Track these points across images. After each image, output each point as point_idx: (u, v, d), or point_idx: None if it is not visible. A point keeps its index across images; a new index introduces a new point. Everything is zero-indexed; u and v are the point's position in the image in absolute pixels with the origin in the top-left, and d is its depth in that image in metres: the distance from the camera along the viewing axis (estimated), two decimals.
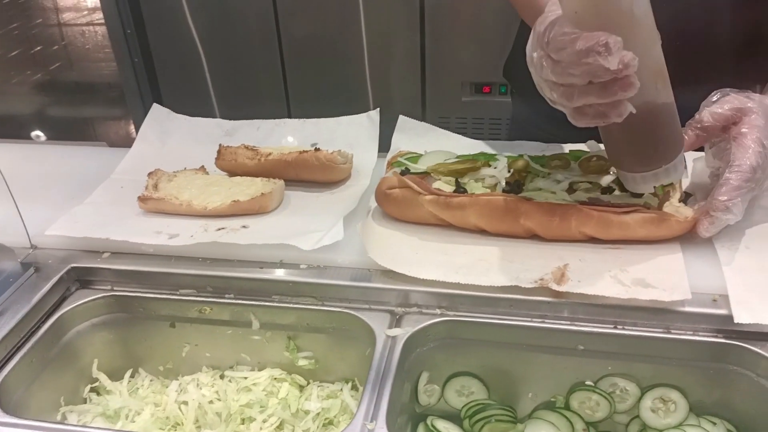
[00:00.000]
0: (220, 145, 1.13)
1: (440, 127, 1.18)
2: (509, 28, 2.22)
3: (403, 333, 0.87)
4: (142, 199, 1.04)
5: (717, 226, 0.86)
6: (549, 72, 0.75)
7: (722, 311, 0.82)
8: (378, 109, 1.23)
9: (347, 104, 2.58)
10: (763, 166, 0.85)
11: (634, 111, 0.75)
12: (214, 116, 2.73)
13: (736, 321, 0.79)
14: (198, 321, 0.97)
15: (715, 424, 0.85)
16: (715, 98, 0.92)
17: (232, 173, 1.12)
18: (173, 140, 1.26)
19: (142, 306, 0.98)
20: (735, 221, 0.86)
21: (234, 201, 1.02)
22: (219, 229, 0.99)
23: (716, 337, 0.83)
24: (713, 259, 0.88)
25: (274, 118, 1.30)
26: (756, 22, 1.09)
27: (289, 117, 1.30)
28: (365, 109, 1.25)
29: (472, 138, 1.19)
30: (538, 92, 0.83)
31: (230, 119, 1.30)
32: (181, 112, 1.32)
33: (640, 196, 0.92)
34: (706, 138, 0.91)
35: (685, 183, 1.01)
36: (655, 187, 0.90)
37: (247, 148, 1.12)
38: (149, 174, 1.09)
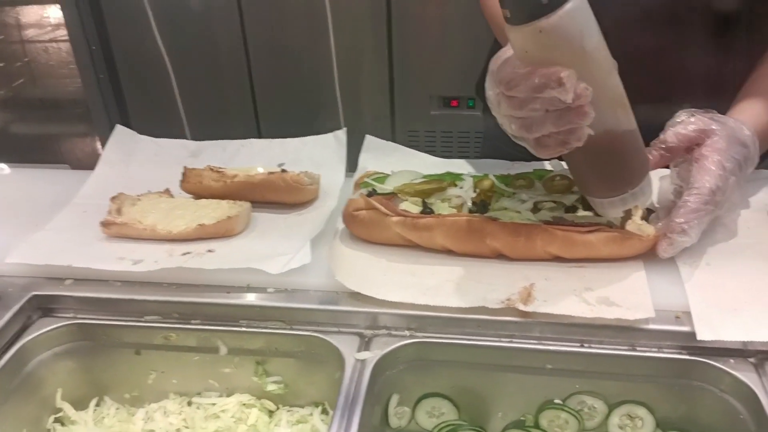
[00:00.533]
0: (185, 167, 1.11)
1: (409, 140, 1.20)
2: (477, 41, 2.26)
3: (372, 356, 0.87)
4: (104, 224, 1.03)
5: (675, 247, 0.88)
6: (506, 107, 0.77)
7: (685, 328, 0.83)
8: (345, 129, 1.23)
9: (317, 120, 2.58)
10: (723, 188, 0.87)
11: (592, 133, 0.77)
12: (183, 133, 2.71)
13: (699, 338, 0.80)
14: (164, 348, 0.96)
15: None
16: (680, 119, 0.94)
17: (197, 196, 1.11)
18: (137, 162, 1.24)
19: (106, 333, 0.96)
20: (690, 243, 0.88)
21: (199, 225, 1.01)
22: (184, 254, 0.98)
23: (680, 353, 0.84)
24: (675, 277, 0.89)
25: (244, 137, 1.30)
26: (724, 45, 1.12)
27: (259, 135, 1.30)
28: (336, 125, 1.25)
29: (441, 152, 1.20)
30: None
31: (200, 137, 1.29)
32: (150, 130, 1.30)
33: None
34: (670, 158, 0.93)
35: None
36: (624, 211, 0.92)
37: (212, 170, 1.11)
38: (112, 198, 1.07)
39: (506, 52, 0.78)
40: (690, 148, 0.92)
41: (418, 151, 1.22)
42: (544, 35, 0.70)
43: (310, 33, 2.45)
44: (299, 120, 2.57)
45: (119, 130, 1.28)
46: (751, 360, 0.82)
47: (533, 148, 0.80)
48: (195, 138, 1.31)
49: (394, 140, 1.23)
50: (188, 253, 0.98)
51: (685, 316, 0.84)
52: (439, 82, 2.54)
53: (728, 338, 0.79)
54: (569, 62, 0.72)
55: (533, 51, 0.73)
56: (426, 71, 2.53)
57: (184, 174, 1.11)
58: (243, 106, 2.62)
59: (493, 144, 1.37)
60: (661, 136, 0.94)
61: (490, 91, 0.80)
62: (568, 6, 0.70)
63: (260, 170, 1.11)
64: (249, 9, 2.42)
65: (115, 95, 2.75)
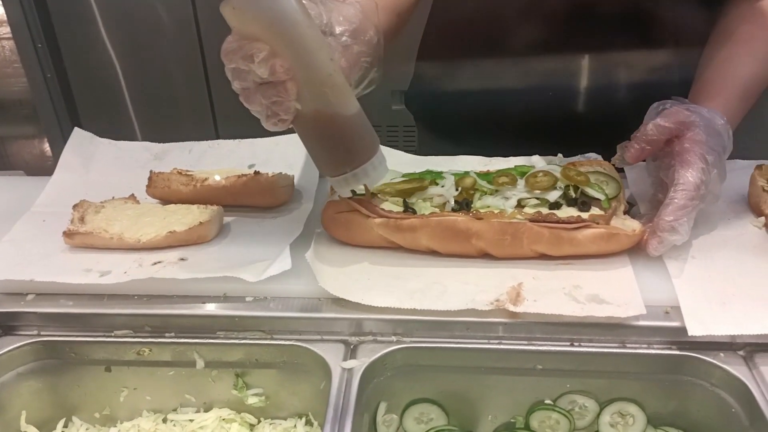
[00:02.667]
0: (151, 171, 1.06)
1: None
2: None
3: (359, 364, 0.84)
4: (67, 234, 0.96)
5: (665, 245, 0.87)
6: (230, 78, 0.80)
7: (675, 323, 0.83)
8: None
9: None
10: (706, 181, 0.87)
11: (299, 107, 0.80)
12: (135, 137, 2.61)
13: (690, 334, 0.80)
14: (136, 363, 0.91)
15: None
16: (657, 110, 0.93)
17: (165, 201, 1.06)
18: (98, 167, 1.18)
19: (73, 350, 0.91)
20: (682, 241, 0.87)
21: (170, 232, 0.95)
22: (155, 263, 0.93)
23: (670, 349, 0.83)
24: (662, 271, 0.89)
25: (201, 138, 1.24)
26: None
27: (217, 136, 1.25)
28: None
29: (403, 147, 1.17)
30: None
31: (153, 139, 1.23)
32: (101, 132, 1.24)
33: (588, 209, 0.92)
34: (651, 151, 0.93)
35: (627, 193, 1.02)
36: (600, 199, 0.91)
37: (180, 173, 1.05)
38: (74, 206, 1.01)
39: None
40: (670, 141, 0.92)
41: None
42: (237, 12, 0.75)
43: None
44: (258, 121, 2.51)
45: (77, 133, 1.21)
46: (741, 353, 0.82)
47: (262, 119, 0.83)
48: (147, 140, 1.24)
49: None
50: (159, 262, 0.93)
51: (674, 311, 0.84)
52: (400, 76, 2.52)
53: (719, 332, 0.79)
54: (268, 39, 0.76)
55: (237, 26, 0.77)
56: (386, 66, 2.50)
57: (150, 178, 1.06)
58: (199, 105, 2.54)
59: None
60: (641, 129, 0.93)
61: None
62: None
63: (236, 173, 1.06)
64: (204, 4, 2.34)
65: (64, 95, 2.63)
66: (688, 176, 0.86)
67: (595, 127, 1.08)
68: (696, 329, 0.80)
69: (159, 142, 1.24)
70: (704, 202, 0.89)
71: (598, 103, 1.23)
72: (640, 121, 0.96)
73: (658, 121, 0.91)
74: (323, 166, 0.89)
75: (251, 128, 1.33)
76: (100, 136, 1.24)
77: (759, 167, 1.01)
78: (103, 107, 2.60)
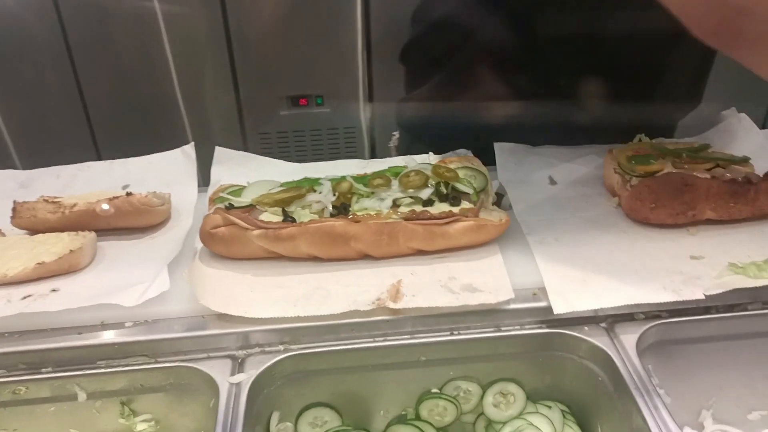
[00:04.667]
0: (14, 201, 1.01)
1: (261, 143, 1.16)
2: (316, 38, 2.26)
3: (247, 377, 0.84)
4: None
5: None
6: None
7: (542, 304, 0.88)
8: (193, 143, 1.18)
9: (163, 137, 2.45)
10: None
11: None
12: (13, 166, 2.46)
13: (555, 312, 0.85)
14: (13, 403, 0.87)
15: (550, 407, 0.92)
16: None
17: (33, 231, 1.01)
18: None
19: None
20: None
21: (38, 263, 0.91)
22: (24, 297, 0.89)
23: (540, 328, 0.89)
24: (529, 256, 0.95)
25: (83, 161, 1.20)
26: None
27: (99, 158, 1.21)
28: (184, 140, 1.19)
29: (294, 152, 1.19)
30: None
31: (33, 167, 1.18)
32: None
33: (458, 204, 0.97)
34: None
35: (495, 185, 1.08)
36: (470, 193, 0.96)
37: (47, 201, 1.01)
38: None
39: None
40: None
41: (272, 152, 1.20)
42: None
43: (143, 44, 2.31)
44: (142, 137, 2.42)
45: None
46: (603, 325, 0.89)
47: None
48: (27, 166, 1.19)
49: (245, 145, 1.20)
50: (29, 296, 0.89)
51: (541, 292, 0.90)
52: (285, 82, 2.51)
53: (581, 308, 0.85)
54: None
55: None
56: (271, 71, 2.48)
57: (14, 209, 1.01)
58: (77, 127, 2.43)
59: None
60: None
61: None
62: None
63: (108, 195, 1.03)
64: (71, 23, 2.24)
65: None
66: None
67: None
68: (560, 307, 0.86)
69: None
70: None
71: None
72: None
73: None
74: None
75: (133, 146, 1.31)
76: None
77: (610, 151, 1.09)
78: None
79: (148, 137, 2.43)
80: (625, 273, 0.89)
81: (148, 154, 1.21)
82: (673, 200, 0.95)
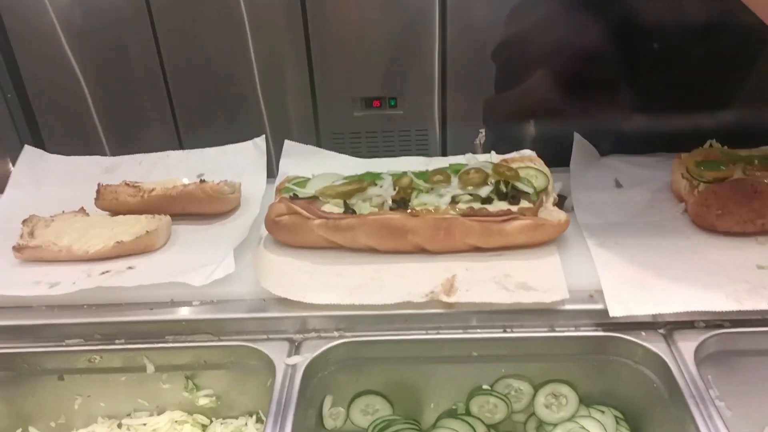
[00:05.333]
0: (99, 184, 1.09)
1: (334, 143, 1.21)
2: (394, 41, 2.29)
3: (302, 360, 0.87)
4: (17, 249, 0.99)
5: None
6: None
7: (599, 306, 0.87)
8: (264, 135, 1.23)
9: (241, 128, 2.54)
10: None
11: None
12: (102, 149, 2.61)
13: (611, 315, 0.84)
14: (88, 371, 0.93)
15: (603, 412, 0.91)
16: None
17: (114, 212, 1.09)
18: (48, 183, 1.20)
19: (25, 362, 0.93)
20: None
21: (117, 242, 0.98)
22: (103, 273, 0.96)
23: (596, 330, 0.88)
24: (587, 258, 0.94)
25: (165, 149, 1.27)
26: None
27: (180, 146, 1.28)
28: (260, 132, 1.25)
29: (366, 153, 1.22)
30: None
31: (119, 151, 1.26)
32: (66, 147, 1.26)
33: (517, 202, 0.97)
34: None
35: (558, 187, 1.07)
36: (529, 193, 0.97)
37: (128, 185, 1.08)
38: (24, 221, 1.03)
39: None
40: None
41: (345, 152, 1.24)
42: None
43: (227, 40, 2.40)
44: (222, 129, 2.52)
45: (27, 150, 1.24)
46: (661, 331, 0.87)
47: None
48: (114, 153, 1.27)
49: (319, 144, 1.24)
50: (107, 272, 0.96)
51: (598, 294, 0.88)
52: (361, 83, 2.56)
53: (638, 312, 0.84)
54: None
55: None
56: (346, 73, 2.53)
57: (98, 191, 1.08)
58: (162, 117, 2.55)
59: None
60: None
61: None
62: None
63: (185, 181, 1.09)
64: (161, 19, 2.36)
65: (25, 113, 2.63)
66: None
67: None
68: (617, 310, 0.84)
69: (124, 155, 1.27)
70: None
71: None
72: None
73: None
74: None
75: (213, 136, 1.37)
76: (65, 153, 1.27)
77: (679, 156, 1.06)
78: (67, 124, 2.60)
79: (228, 130, 2.53)
80: (686, 279, 0.87)
81: (226, 144, 1.27)
82: (741, 207, 0.92)
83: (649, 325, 0.88)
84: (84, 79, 2.49)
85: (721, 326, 0.86)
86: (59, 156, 1.25)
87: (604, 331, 0.88)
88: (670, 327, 0.87)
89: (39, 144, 1.26)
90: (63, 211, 1.09)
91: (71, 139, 2.61)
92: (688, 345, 0.84)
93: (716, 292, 0.84)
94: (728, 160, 1.00)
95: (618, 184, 1.12)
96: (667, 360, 0.83)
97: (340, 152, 1.24)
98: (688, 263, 0.90)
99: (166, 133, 2.58)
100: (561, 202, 1.06)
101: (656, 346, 0.85)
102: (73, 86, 2.50)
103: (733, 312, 0.83)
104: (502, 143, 1.28)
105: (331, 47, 2.45)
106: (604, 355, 0.89)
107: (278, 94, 2.55)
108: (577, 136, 1.16)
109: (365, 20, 2.39)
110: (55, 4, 2.28)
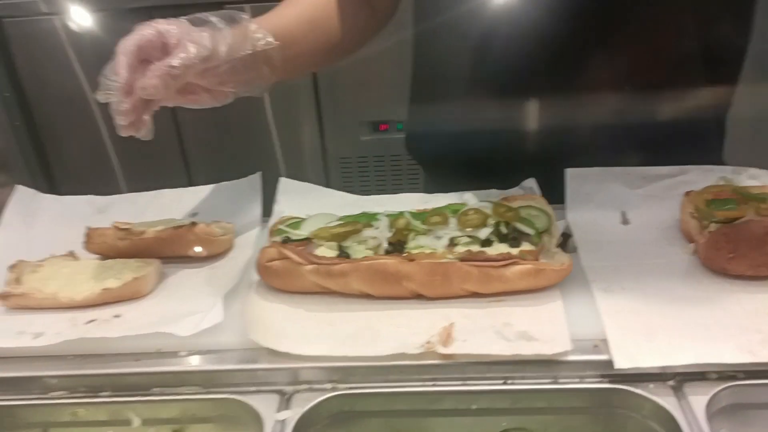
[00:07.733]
0: (87, 227, 1.06)
1: (342, 167, 1.18)
2: (400, 64, 2.28)
3: (293, 414, 0.83)
4: (2, 297, 0.96)
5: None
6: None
7: (604, 357, 0.83)
8: (259, 173, 1.20)
9: (250, 159, 2.53)
10: None
11: None
12: (115, 181, 2.61)
13: (616, 367, 0.80)
14: (72, 425, 0.90)
15: None
16: None
17: (104, 256, 1.06)
18: (39, 224, 1.18)
19: (9, 415, 0.90)
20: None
21: (104, 289, 0.95)
22: (89, 322, 0.93)
23: (601, 382, 0.83)
24: (592, 303, 0.89)
25: (177, 184, 1.25)
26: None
27: (189, 177, 1.26)
28: (273, 164, 1.22)
29: (374, 176, 1.19)
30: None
31: (135, 185, 1.25)
32: (78, 181, 1.24)
33: (518, 245, 0.93)
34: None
35: (562, 225, 1.03)
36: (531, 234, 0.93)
37: (118, 228, 1.06)
38: (10, 267, 1.01)
39: None
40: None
41: (353, 176, 1.21)
42: None
43: None
44: (231, 159, 2.51)
45: (19, 190, 1.21)
46: (670, 383, 0.82)
47: None
48: (131, 187, 1.26)
49: (326, 171, 1.21)
50: (93, 320, 0.93)
51: (603, 344, 0.84)
52: (367, 107, 2.55)
53: (645, 365, 0.80)
54: None
55: None
56: (353, 98, 2.53)
57: (87, 234, 1.06)
58: (172, 154, 2.55)
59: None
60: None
61: None
62: None
63: (174, 224, 1.06)
64: None
65: (33, 144, 2.63)
66: None
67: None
68: (622, 362, 0.80)
69: (144, 190, 1.26)
70: None
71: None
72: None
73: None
74: None
75: (222, 172, 1.35)
76: (77, 184, 1.25)
77: (687, 193, 1.02)
78: (78, 156, 2.60)
79: (236, 162, 2.52)
80: (696, 329, 0.82)
81: (238, 178, 1.24)
82: (754, 250, 0.87)
83: (658, 376, 0.83)
84: (100, 112, 2.49)
85: (734, 378, 0.82)
86: (51, 196, 1.23)
87: (610, 382, 0.83)
88: (680, 378, 0.82)
89: (48, 176, 1.24)
90: (52, 255, 1.06)
91: (83, 170, 2.61)
92: (699, 399, 0.79)
93: (728, 344, 0.80)
94: (740, 199, 0.96)
95: (625, 220, 1.08)
96: (676, 415, 0.78)
97: (347, 177, 1.22)
98: (698, 311, 0.85)
99: (176, 169, 2.57)
100: (565, 241, 1.02)
101: (665, 399, 0.81)
102: (87, 118, 2.51)
103: (747, 363, 0.79)
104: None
105: (337, 72, 2.45)
106: (609, 408, 0.85)
107: (287, 121, 2.55)
108: (569, 172, 1.10)
109: (370, 43, 2.39)
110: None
